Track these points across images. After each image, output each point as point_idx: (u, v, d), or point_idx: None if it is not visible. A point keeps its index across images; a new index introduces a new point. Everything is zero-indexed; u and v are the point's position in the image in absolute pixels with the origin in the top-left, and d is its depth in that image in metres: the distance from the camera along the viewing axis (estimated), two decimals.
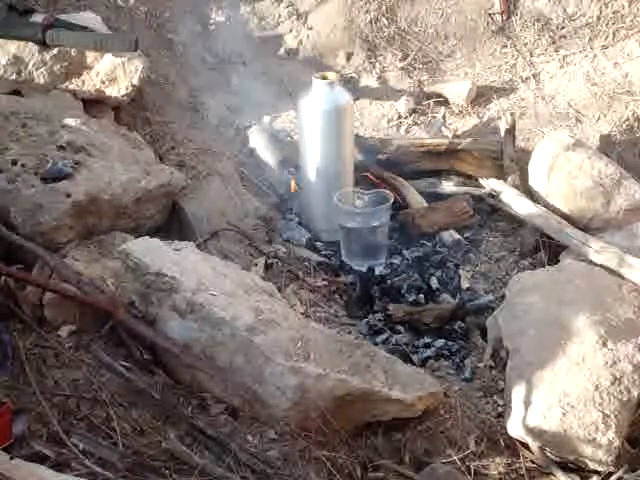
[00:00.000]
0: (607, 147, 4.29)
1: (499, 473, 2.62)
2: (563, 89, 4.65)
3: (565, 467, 2.65)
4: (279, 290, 3.08)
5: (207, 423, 2.43)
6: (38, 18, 3.80)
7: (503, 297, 3.23)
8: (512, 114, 4.31)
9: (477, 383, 2.99)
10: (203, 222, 3.47)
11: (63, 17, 3.89)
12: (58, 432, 2.24)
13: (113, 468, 2.19)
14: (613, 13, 4.83)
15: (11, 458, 2.05)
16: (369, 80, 4.69)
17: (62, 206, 2.98)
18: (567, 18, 4.84)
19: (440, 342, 3.23)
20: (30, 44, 3.72)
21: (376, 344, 3.11)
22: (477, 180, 4.06)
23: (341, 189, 3.73)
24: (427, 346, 3.21)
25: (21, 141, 3.21)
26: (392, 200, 3.68)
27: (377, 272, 3.61)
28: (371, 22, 4.77)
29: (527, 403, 2.64)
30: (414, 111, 4.57)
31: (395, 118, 4.54)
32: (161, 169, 3.42)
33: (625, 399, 2.62)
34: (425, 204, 3.93)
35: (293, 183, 3.90)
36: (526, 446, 2.68)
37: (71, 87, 3.78)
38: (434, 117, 4.57)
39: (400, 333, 3.27)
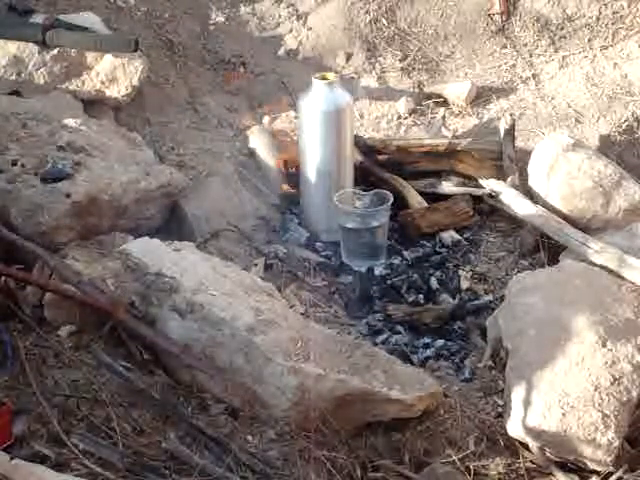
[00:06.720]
0: (607, 147, 4.28)
1: (499, 473, 2.62)
2: (563, 90, 4.65)
3: (565, 467, 2.65)
4: (279, 290, 3.08)
5: (207, 423, 2.43)
6: (38, 19, 3.81)
7: (503, 297, 3.23)
8: (512, 114, 4.30)
9: (477, 383, 2.99)
10: (203, 222, 3.48)
11: (63, 18, 3.89)
12: (58, 432, 2.24)
13: (113, 468, 2.19)
14: (612, 14, 4.83)
15: (11, 458, 2.05)
16: (369, 80, 4.69)
17: (62, 206, 2.98)
18: (567, 19, 4.83)
19: (440, 342, 3.23)
20: (30, 45, 3.73)
21: (376, 344, 3.11)
22: (477, 180, 4.05)
23: (341, 190, 3.73)
24: (427, 346, 3.21)
25: (21, 141, 3.22)
26: (392, 200, 3.68)
27: (377, 272, 3.60)
28: (371, 22, 4.76)
29: (527, 403, 2.64)
30: (414, 111, 4.57)
31: (395, 118, 4.54)
32: (161, 169, 3.42)
33: (625, 399, 2.62)
34: (425, 204, 3.93)
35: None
36: (526, 446, 2.68)
37: (71, 87, 3.78)
38: (434, 117, 4.57)
39: (400, 333, 3.27)
